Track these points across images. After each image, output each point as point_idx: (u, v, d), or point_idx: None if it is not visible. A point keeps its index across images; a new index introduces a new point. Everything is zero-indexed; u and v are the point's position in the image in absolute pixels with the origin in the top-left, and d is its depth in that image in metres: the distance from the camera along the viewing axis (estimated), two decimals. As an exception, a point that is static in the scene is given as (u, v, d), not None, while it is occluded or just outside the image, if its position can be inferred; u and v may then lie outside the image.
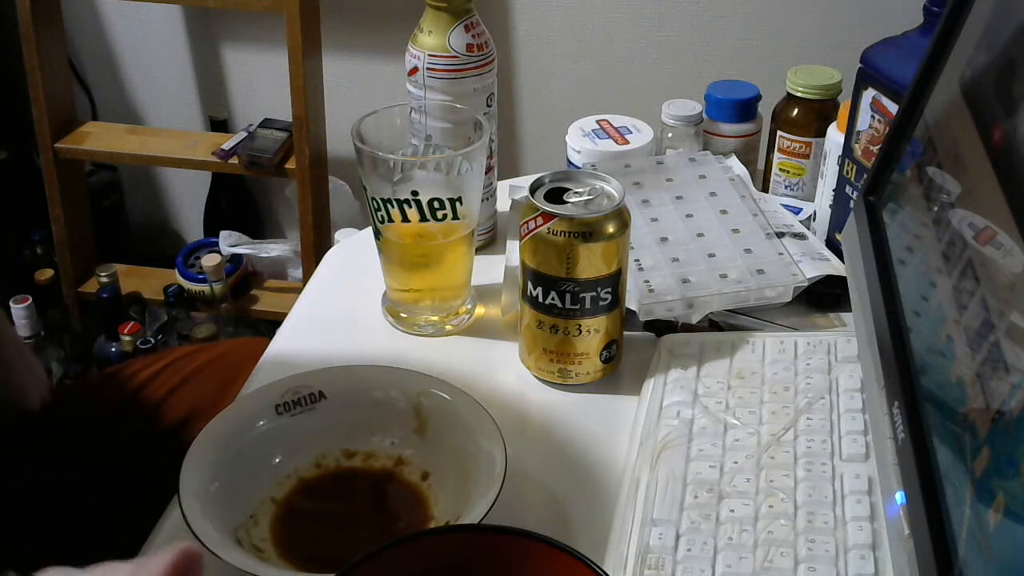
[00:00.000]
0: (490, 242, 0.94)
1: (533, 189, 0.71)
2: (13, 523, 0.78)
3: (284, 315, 0.87)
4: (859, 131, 0.82)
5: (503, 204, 0.92)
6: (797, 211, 0.92)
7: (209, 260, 1.84)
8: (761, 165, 1.04)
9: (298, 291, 0.94)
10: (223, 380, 0.90)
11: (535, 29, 1.85)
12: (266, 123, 1.86)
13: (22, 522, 0.79)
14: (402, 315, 0.84)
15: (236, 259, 1.92)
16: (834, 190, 0.88)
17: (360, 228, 1.24)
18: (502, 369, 0.78)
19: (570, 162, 0.99)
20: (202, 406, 0.88)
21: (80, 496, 0.83)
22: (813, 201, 0.93)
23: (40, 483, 0.83)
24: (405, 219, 0.77)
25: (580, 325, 0.72)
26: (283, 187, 2.00)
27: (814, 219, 0.92)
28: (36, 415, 0.86)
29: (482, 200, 0.84)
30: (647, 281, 0.81)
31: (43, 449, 0.85)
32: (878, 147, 0.75)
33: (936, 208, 0.59)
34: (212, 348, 1.01)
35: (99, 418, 0.89)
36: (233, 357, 0.95)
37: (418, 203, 0.77)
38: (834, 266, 0.82)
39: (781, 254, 0.83)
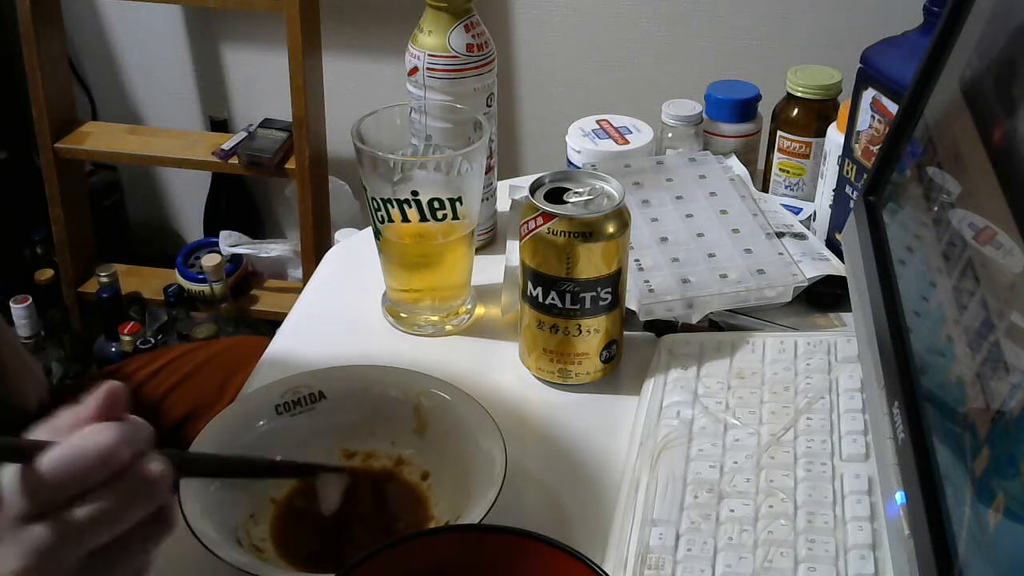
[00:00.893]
0: (490, 242, 0.94)
1: (533, 189, 0.71)
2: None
3: (284, 315, 0.87)
4: (859, 131, 0.82)
5: (503, 204, 0.92)
6: (797, 211, 0.92)
7: (209, 260, 1.83)
8: (761, 165, 1.04)
9: (298, 291, 0.94)
10: (222, 378, 0.90)
11: (535, 29, 1.85)
12: (266, 123, 1.86)
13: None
14: (402, 315, 0.84)
15: (236, 259, 1.92)
16: (834, 190, 0.88)
17: (360, 228, 1.24)
18: (502, 369, 0.78)
19: (570, 162, 0.99)
20: (202, 404, 0.88)
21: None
22: (813, 201, 0.93)
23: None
24: (405, 219, 0.77)
25: (580, 325, 0.72)
26: (283, 187, 2.00)
27: (814, 219, 0.92)
28: (34, 415, 0.86)
29: (482, 200, 0.84)
30: (647, 281, 0.81)
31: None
32: (878, 147, 0.75)
33: (936, 208, 0.59)
34: (211, 346, 1.01)
35: None
36: (232, 355, 0.95)
37: (418, 203, 0.77)
38: (834, 266, 0.82)
39: (781, 254, 0.83)
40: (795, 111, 0.97)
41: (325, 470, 0.65)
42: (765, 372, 0.72)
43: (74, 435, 0.47)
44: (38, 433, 0.48)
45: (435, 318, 0.83)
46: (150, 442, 0.49)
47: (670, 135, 1.00)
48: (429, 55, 0.82)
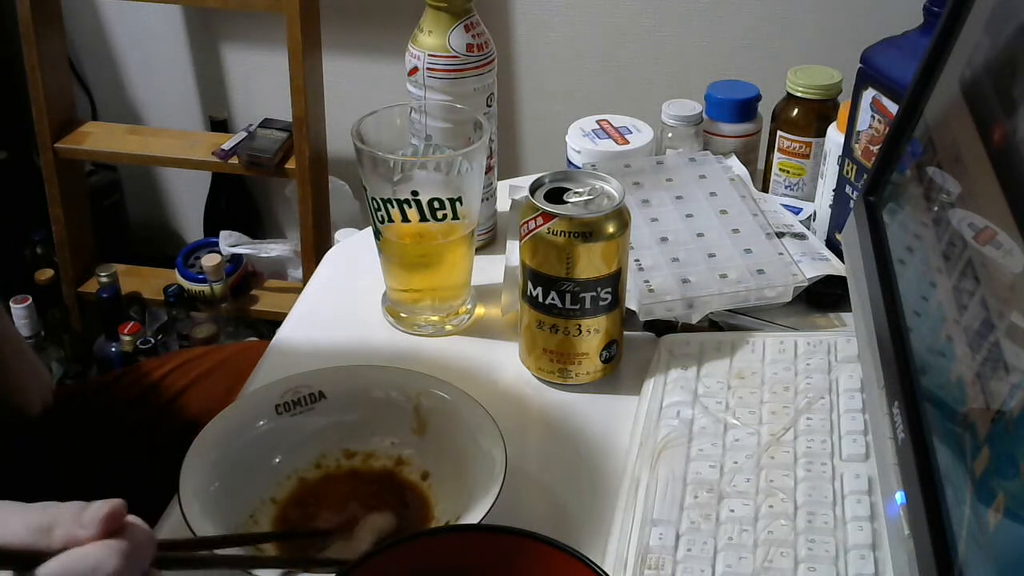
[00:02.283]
0: (490, 242, 0.94)
1: (533, 189, 0.71)
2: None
3: (284, 315, 0.87)
4: (859, 131, 0.82)
5: (503, 204, 0.92)
6: (797, 211, 0.92)
7: (209, 260, 1.83)
8: (761, 165, 1.04)
9: (298, 291, 0.94)
10: (232, 382, 0.90)
11: (535, 29, 1.85)
12: (266, 123, 1.86)
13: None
14: (402, 315, 0.84)
15: (236, 259, 1.92)
16: (834, 190, 0.88)
17: (360, 228, 1.24)
18: (502, 369, 0.78)
19: (570, 162, 0.99)
20: (212, 407, 0.87)
21: (86, 496, 0.83)
22: (813, 201, 0.93)
23: (46, 482, 0.83)
24: (405, 219, 0.77)
25: (580, 325, 0.72)
26: (283, 187, 2.00)
27: (814, 219, 0.92)
28: (40, 416, 0.86)
29: (482, 200, 0.84)
30: (647, 281, 0.81)
31: (49, 449, 0.85)
32: (878, 147, 0.75)
33: (936, 208, 0.59)
34: (222, 350, 1.01)
35: (106, 419, 0.89)
36: (243, 359, 0.95)
37: (418, 203, 0.77)
38: (834, 266, 0.82)
39: (781, 254, 0.83)
40: (795, 111, 0.97)
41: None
42: (765, 372, 0.72)
43: (76, 551, 0.44)
44: (29, 522, 0.45)
45: (435, 318, 0.83)
46: (153, 555, 0.47)
47: (670, 135, 1.00)
48: (429, 55, 0.82)
